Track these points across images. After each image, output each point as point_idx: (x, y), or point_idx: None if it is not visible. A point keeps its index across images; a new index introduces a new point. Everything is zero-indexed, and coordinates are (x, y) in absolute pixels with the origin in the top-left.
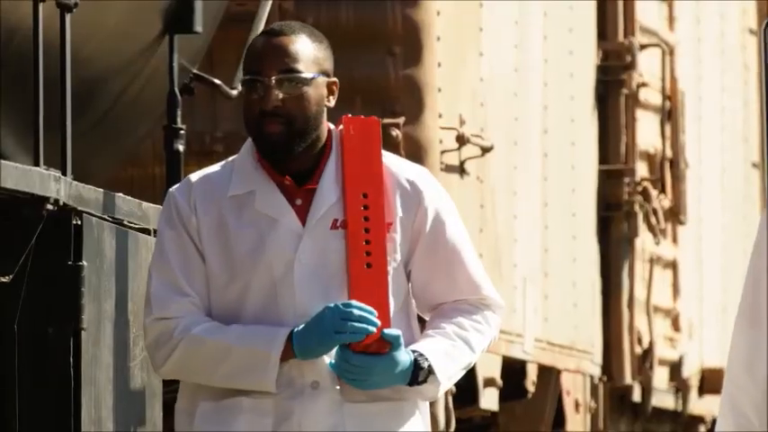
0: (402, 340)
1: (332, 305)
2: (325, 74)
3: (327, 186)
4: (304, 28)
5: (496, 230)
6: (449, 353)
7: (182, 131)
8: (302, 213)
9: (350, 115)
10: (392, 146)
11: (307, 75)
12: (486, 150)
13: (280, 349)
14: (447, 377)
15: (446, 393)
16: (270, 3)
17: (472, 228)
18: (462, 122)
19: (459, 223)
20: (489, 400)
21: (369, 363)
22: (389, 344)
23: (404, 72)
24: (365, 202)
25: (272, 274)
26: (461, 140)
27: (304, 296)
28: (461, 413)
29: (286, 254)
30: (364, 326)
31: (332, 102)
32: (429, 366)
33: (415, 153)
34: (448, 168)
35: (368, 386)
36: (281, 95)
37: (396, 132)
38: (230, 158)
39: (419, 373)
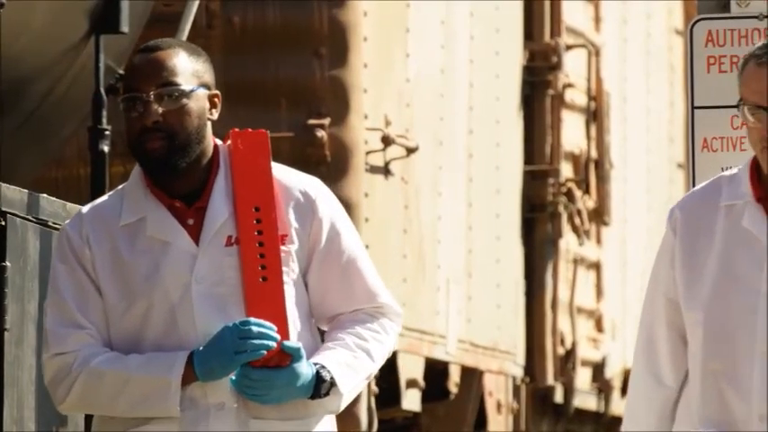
0: (303, 352)
1: (230, 324)
2: (206, 86)
3: (218, 203)
4: (181, 43)
5: (420, 231)
6: (350, 364)
7: (107, 132)
8: (195, 233)
9: (237, 129)
10: (317, 147)
11: (186, 87)
12: (411, 151)
13: (179, 374)
14: (349, 389)
15: (369, 394)
16: (196, 3)
17: (396, 228)
18: (388, 123)
19: (353, 232)
20: (412, 401)
21: (270, 377)
22: (290, 356)
23: (330, 73)
24: (257, 216)
25: (170, 297)
26: (387, 141)
27: (203, 316)
28: (384, 414)
29: (182, 276)
30: (264, 342)
31: (215, 115)
32: (331, 378)
33: (341, 154)
34: (373, 169)
35: (269, 400)
36: (160, 110)
37: (321, 133)
38: (120, 186)
39: (321, 386)
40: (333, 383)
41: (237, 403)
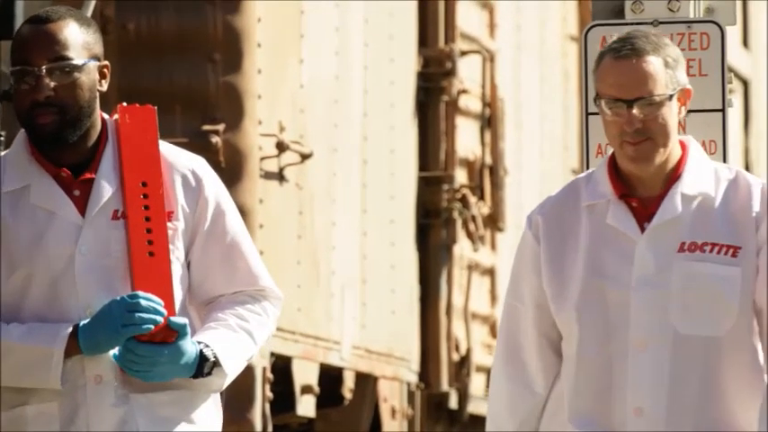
0: (189, 329)
1: (117, 298)
2: (96, 58)
3: (105, 176)
4: (71, 12)
5: (315, 237)
6: (233, 344)
7: (1, 138)
8: (81, 205)
9: (124, 104)
10: (212, 152)
11: (78, 61)
12: (305, 157)
13: (63, 345)
14: (232, 369)
15: (263, 400)
16: (92, 7)
17: (291, 235)
18: (282, 129)
19: (237, 214)
20: (306, 406)
21: (155, 352)
22: (176, 333)
23: (224, 79)
24: (144, 191)
25: (53, 268)
26: (281, 147)
27: (86, 289)
28: (278, 420)
29: (66, 247)
30: (152, 316)
31: (104, 86)
32: (215, 357)
33: (235, 160)
34: (267, 175)
35: (152, 377)
36: (52, 84)
37: (216, 139)
38: (1, 153)
39: (205, 365)
40: (216, 363)
41: (117, 378)
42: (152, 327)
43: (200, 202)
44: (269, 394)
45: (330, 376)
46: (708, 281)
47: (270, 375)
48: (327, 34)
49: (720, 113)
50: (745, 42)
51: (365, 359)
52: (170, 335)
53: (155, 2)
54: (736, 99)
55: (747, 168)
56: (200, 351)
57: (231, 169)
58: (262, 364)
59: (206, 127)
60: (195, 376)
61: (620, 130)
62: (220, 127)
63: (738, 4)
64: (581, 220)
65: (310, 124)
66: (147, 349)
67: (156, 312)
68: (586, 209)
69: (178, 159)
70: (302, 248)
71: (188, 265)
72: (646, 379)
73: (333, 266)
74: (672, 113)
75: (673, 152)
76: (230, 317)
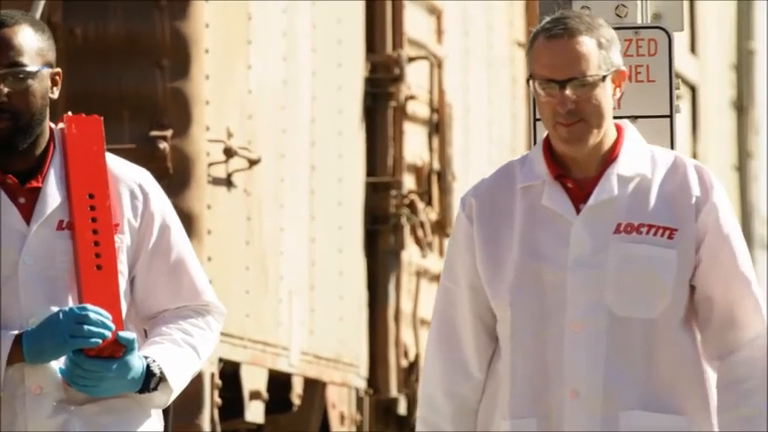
0: (136, 344)
1: (66, 309)
2: (49, 65)
3: (52, 186)
4: (26, 18)
5: (263, 243)
6: (178, 359)
7: None
8: (26, 213)
9: (70, 113)
10: (160, 158)
11: (32, 68)
12: (253, 163)
13: (6, 352)
14: (178, 384)
15: (212, 406)
16: (40, 11)
17: (239, 240)
18: (230, 135)
19: (182, 229)
20: (255, 412)
21: (102, 367)
22: (124, 347)
23: (172, 84)
24: (91, 203)
25: None
26: (229, 153)
27: (30, 299)
28: (227, 426)
29: (10, 254)
30: (101, 330)
31: (56, 93)
32: (161, 373)
33: (183, 165)
34: (215, 181)
35: (99, 392)
36: (5, 90)
37: (163, 145)
38: None
39: (151, 380)
40: (162, 378)
41: (58, 390)
42: (100, 341)
43: (146, 217)
44: (218, 400)
45: (279, 382)
46: (643, 262)
47: (218, 381)
48: (275, 39)
49: (668, 119)
50: (693, 48)
51: (314, 365)
52: (118, 349)
53: (102, 7)
54: (683, 105)
55: None
56: (147, 366)
57: (179, 175)
58: (210, 370)
59: (154, 133)
60: (141, 391)
61: (552, 111)
62: (168, 133)
63: (686, 11)
64: (516, 201)
65: (258, 130)
66: (94, 364)
67: (105, 326)
68: (521, 190)
69: (125, 172)
70: (250, 254)
71: (132, 279)
72: (582, 360)
73: (281, 272)
74: (606, 95)
75: (608, 134)
76: (175, 331)
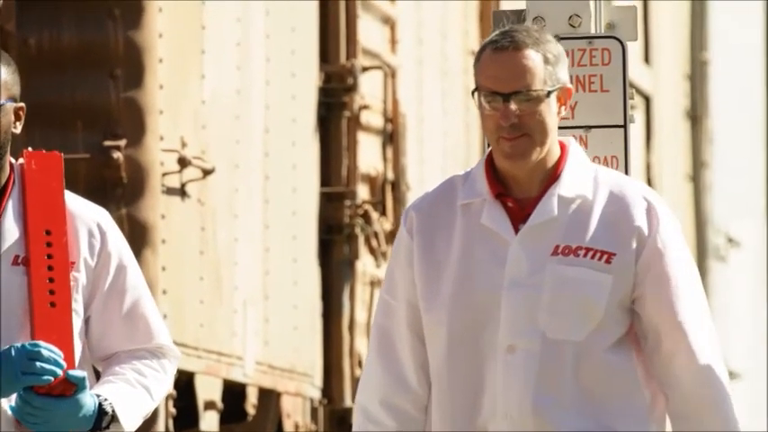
0: (87, 383)
1: (18, 345)
2: (13, 99)
3: (10, 221)
4: None
5: (217, 253)
6: (131, 399)
7: None
8: None
9: (30, 149)
10: (113, 168)
11: None
12: (207, 173)
13: None
14: (129, 424)
15: (167, 416)
16: None
17: (193, 250)
18: (184, 145)
19: (138, 269)
20: (209, 422)
21: (52, 405)
22: (75, 385)
23: (125, 94)
24: (48, 239)
25: None
26: (183, 163)
27: None
28: None
29: None
30: (52, 367)
31: (18, 128)
32: (113, 412)
33: (137, 175)
34: (169, 191)
35: (50, 430)
36: None
37: (117, 155)
38: None
39: (103, 419)
40: (114, 417)
41: (9, 427)
42: (51, 378)
43: (103, 256)
44: (172, 410)
45: (233, 392)
46: (578, 286)
47: (173, 391)
48: (229, 49)
49: (622, 129)
50: (647, 58)
51: (268, 375)
52: (68, 388)
53: (56, 17)
54: (637, 115)
55: (649, 184)
56: (99, 404)
57: (133, 185)
58: None
59: (107, 143)
60: (92, 430)
61: (496, 124)
62: (122, 142)
63: (639, 20)
64: (456, 218)
65: (212, 140)
66: (44, 402)
67: (57, 364)
68: (462, 207)
69: (83, 211)
70: (205, 264)
71: (87, 319)
72: (514, 382)
73: (235, 282)
74: (550, 111)
75: (552, 152)
76: (129, 371)
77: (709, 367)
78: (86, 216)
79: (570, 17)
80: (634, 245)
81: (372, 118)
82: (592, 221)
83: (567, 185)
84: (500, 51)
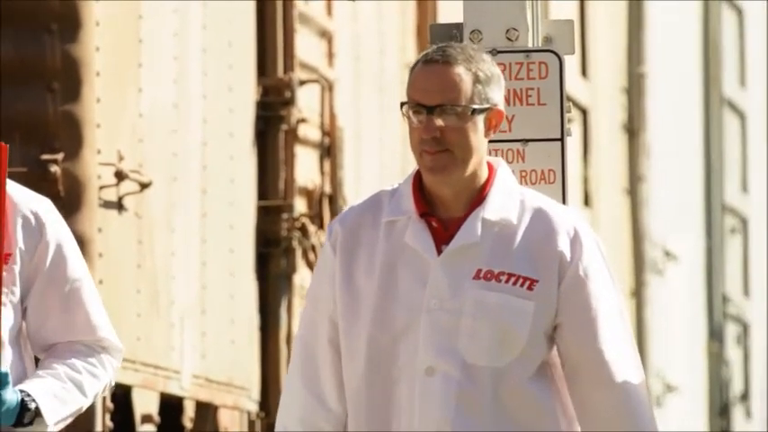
0: (10, 378)
1: None
2: None
3: None
4: None
5: (154, 267)
6: (58, 395)
7: None
8: None
9: None
10: (51, 181)
11: None
12: (144, 186)
13: None
14: (55, 420)
15: (103, 429)
16: None
17: (130, 264)
18: (121, 158)
19: (80, 260)
20: None
21: None
22: None
23: (63, 108)
24: None
25: None
26: (120, 176)
27: None
28: None
29: None
30: None
31: None
32: (36, 408)
33: (74, 189)
34: (106, 204)
35: None
36: None
37: (54, 168)
38: None
39: (25, 415)
40: (37, 413)
41: None
42: None
43: (41, 246)
44: (109, 424)
45: (170, 405)
46: (499, 311)
47: (110, 404)
48: (166, 63)
49: (559, 143)
50: (584, 72)
51: (205, 388)
52: None
53: None
54: (574, 128)
55: (586, 198)
56: (22, 400)
57: (70, 198)
58: (102, 394)
59: (45, 156)
60: (15, 425)
61: (419, 138)
62: (59, 156)
63: (576, 34)
64: (380, 235)
65: (149, 153)
66: None
67: None
68: (386, 224)
69: (23, 201)
70: (142, 278)
71: (25, 309)
72: (434, 405)
73: (172, 296)
74: (476, 130)
75: (479, 174)
76: (60, 366)
77: (628, 402)
78: (26, 206)
79: (507, 31)
80: (557, 271)
81: (310, 131)
82: (516, 246)
83: (492, 208)
84: (430, 64)
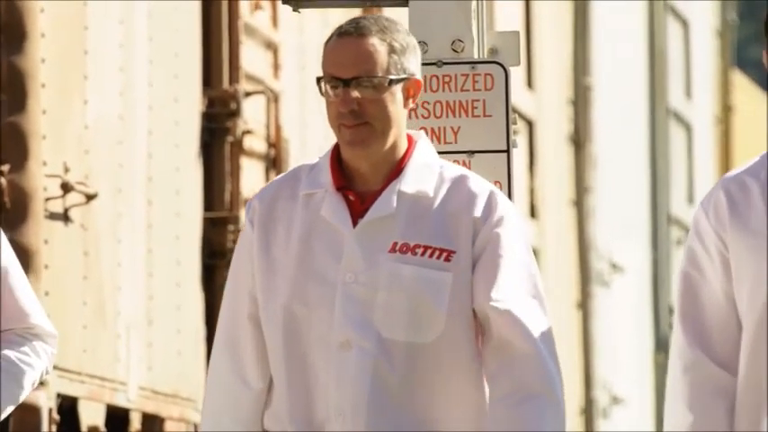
0: None
1: None
2: None
3: None
4: None
5: (101, 278)
6: None
7: None
8: None
9: None
10: None
11: None
12: (90, 198)
13: None
14: None
15: None
16: None
17: (76, 275)
18: (67, 170)
19: (9, 251)
20: None
21: None
22: None
23: (8, 119)
24: None
25: None
26: (66, 188)
27: None
28: None
29: None
30: None
31: None
32: None
33: (20, 200)
34: (52, 216)
35: None
36: None
37: (0, 180)
38: None
39: None
40: None
41: None
42: None
43: None
44: None
45: (117, 417)
46: (416, 284)
47: (56, 416)
48: (112, 74)
49: (505, 154)
50: (530, 83)
51: (152, 400)
52: None
53: None
54: (520, 140)
55: (532, 209)
56: None
57: (16, 210)
58: (48, 405)
59: None
60: None
61: (337, 111)
62: (5, 167)
63: (522, 46)
64: (297, 208)
65: (95, 165)
66: None
67: None
68: (303, 198)
69: None
70: (88, 289)
71: None
72: (349, 379)
73: (119, 307)
74: (395, 100)
75: (398, 146)
76: None
77: (539, 354)
78: None
79: (453, 42)
80: (470, 241)
81: (255, 143)
82: (432, 218)
83: (409, 181)
84: (344, 37)
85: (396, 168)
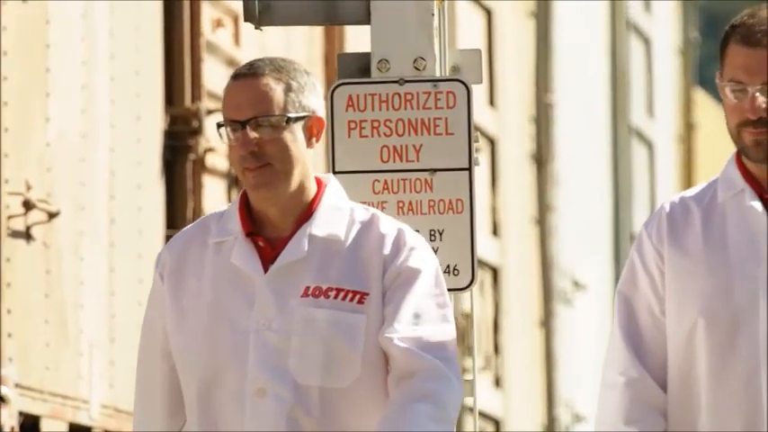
0: None
1: None
2: None
3: None
4: None
5: (63, 296)
6: None
7: None
8: None
9: None
10: None
11: None
12: (52, 216)
13: None
14: None
15: None
16: None
17: (38, 293)
18: (29, 188)
19: None
20: None
21: None
22: None
23: None
24: None
25: None
26: (28, 206)
27: None
28: None
29: None
30: None
31: None
32: None
33: None
34: (14, 234)
35: None
36: None
37: None
38: None
39: None
40: None
41: None
42: None
43: None
44: None
45: None
46: (330, 328)
47: None
48: (73, 92)
49: (467, 172)
50: (492, 101)
51: (114, 418)
52: None
53: None
54: (482, 158)
55: (494, 227)
56: None
57: None
58: (10, 424)
59: None
60: None
61: (238, 155)
62: None
63: (484, 63)
64: (207, 257)
65: (57, 182)
66: None
67: None
68: (214, 246)
69: None
70: (50, 307)
71: None
72: (266, 427)
73: (81, 325)
74: (296, 139)
75: (306, 189)
76: None
77: (441, 376)
78: None
79: (415, 60)
80: (380, 279)
81: (217, 161)
82: (344, 261)
83: (319, 224)
84: (239, 79)
85: (305, 212)
